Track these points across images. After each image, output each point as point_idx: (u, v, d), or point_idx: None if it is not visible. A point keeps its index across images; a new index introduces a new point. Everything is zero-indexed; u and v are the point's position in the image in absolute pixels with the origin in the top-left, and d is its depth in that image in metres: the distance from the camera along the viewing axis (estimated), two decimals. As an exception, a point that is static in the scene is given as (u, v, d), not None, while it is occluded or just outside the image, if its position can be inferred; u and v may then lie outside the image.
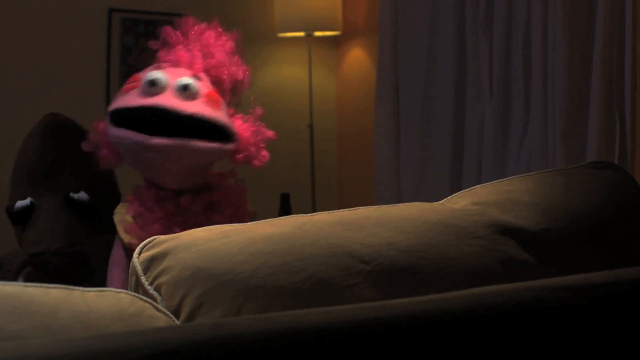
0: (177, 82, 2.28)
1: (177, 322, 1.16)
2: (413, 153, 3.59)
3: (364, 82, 4.08)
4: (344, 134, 4.30)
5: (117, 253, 2.33)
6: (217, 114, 2.30)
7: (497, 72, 3.22)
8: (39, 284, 1.05)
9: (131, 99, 2.29)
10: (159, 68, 2.32)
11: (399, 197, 3.64)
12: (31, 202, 2.51)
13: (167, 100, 2.25)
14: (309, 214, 1.32)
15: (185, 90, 2.27)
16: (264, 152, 2.40)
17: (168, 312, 1.15)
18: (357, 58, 4.18)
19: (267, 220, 1.31)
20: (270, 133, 2.41)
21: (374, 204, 3.35)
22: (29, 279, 2.38)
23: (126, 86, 2.33)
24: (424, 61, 3.54)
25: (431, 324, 1.03)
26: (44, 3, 3.73)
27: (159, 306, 1.15)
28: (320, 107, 4.20)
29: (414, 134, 3.59)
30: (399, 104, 3.68)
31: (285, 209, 2.78)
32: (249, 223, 1.29)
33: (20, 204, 2.52)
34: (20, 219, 2.52)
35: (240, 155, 2.36)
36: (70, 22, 3.78)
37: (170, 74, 2.29)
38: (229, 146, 2.32)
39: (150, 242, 1.22)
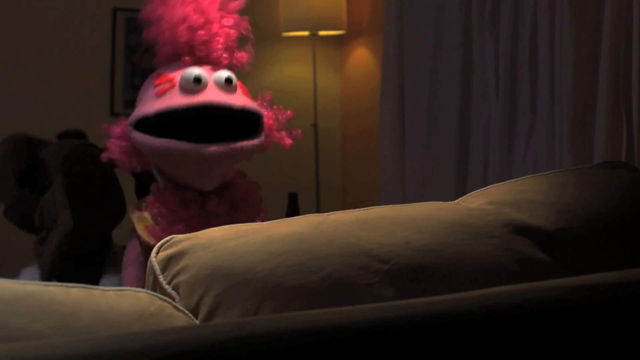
0: (217, 76, 2.24)
1: (196, 321, 1.16)
2: (418, 152, 3.59)
3: (368, 81, 4.08)
4: (349, 133, 4.30)
5: (133, 251, 2.29)
6: (254, 104, 2.30)
7: (503, 71, 3.22)
8: (59, 283, 1.05)
9: (175, 99, 2.22)
10: (187, 65, 2.25)
11: (403, 197, 3.63)
12: (34, 156, 2.42)
13: (216, 95, 2.22)
14: (324, 213, 1.32)
15: (229, 84, 2.24)
16: (294, 131, 2.38)
17: (187, 311, 1.15)
18: (362, 57, 4.17)
19: (283, 219, 1.31)
20: (289, 112, 2.38)
21: (378, 204, 3.35)
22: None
23: (158, 88, 2.25)
24: (429, 61, 3.53)
25: (450, 324, 1.03)
26: (48, 2, 3.73)
27: (178, 305, 1.15)
28: (324, 107, 4.20)
29: (419, 133, 3.58)
30: (403, 104, 3.67)
31: (293, 208, 2.78)
32: (265, 222, 1.30)
33: (23, 165, 2.40)
34: (28, 177, 2.40)
35: (266, 142, 2.34)
36: (75, 21, 3.78)
37: (204, 70, 2.25)
38: (263, 138, 2.31)
39: (167, 241, 1.22)
